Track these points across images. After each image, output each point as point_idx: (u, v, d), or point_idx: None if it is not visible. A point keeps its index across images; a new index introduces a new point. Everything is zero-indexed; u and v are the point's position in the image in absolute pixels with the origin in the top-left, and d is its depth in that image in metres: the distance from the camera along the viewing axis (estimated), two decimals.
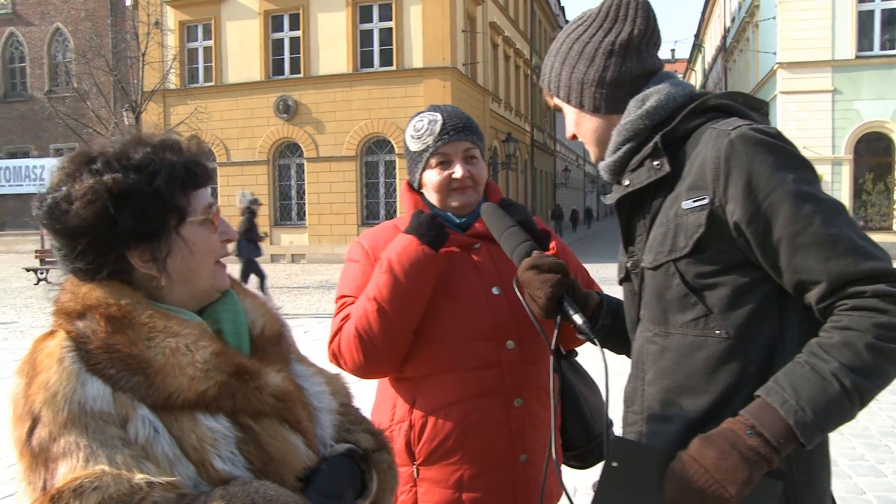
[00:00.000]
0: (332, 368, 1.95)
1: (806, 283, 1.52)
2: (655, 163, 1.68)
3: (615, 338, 1.99)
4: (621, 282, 1.91)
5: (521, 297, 1.94)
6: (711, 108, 1.71)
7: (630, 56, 1.79)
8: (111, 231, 1.42)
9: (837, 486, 5.32)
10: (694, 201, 1.61)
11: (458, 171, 2.34)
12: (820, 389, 1.44)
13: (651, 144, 1.69)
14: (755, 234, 1.54)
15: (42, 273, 21.22)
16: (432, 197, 2.42)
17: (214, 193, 27.31)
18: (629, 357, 1.94)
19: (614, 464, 1.59)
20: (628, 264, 1.83)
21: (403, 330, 2.24)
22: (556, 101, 1.92)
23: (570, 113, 1.89)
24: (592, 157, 1.94)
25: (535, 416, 2.31)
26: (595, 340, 1.80)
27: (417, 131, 2.40)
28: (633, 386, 1.83)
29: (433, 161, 2.37)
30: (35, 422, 1.31)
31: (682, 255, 1.63)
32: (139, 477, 1.25)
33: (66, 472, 1.26)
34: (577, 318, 1.83)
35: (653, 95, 1.75)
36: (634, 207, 1.79)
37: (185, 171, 1.50)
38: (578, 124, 1.88)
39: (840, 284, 1.49)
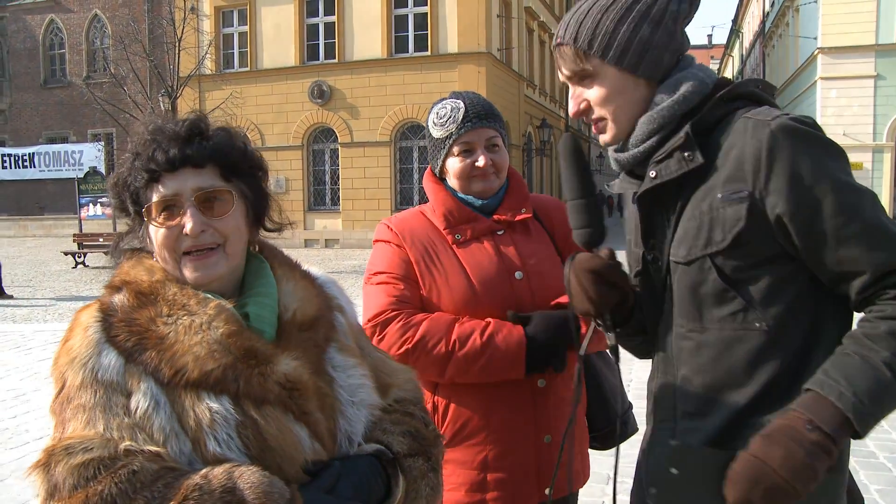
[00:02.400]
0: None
1: (848, 274, 1.52)
2: (687, 154, 1.61)
3: (639, 334, 1.91)
4: (636, 275, 1.82)
5: (567, 278, 1.80)
6: (739, 95, 1.67)
7: (681, 27, 1.71)
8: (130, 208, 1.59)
9: (877, 479, 5.22)
10: (732, 194, 1.56)
11: (480, 160, 2.39)
12: (874, 380, 1.44)
13: (682, 135, 1.61)
14: (798, 227, 1.51)
15: (80, 257, 21.50)
16: (454, 183, 2.45)
17: None
18: (635, 351, 1.95)
19: (673, 471, 1.67)
20: (649, 257, 1.76)
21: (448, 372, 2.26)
22: (592, 63, 1.70)
23: (612, 78, 1.69)
24: (612, 137, 1.75)
25: (558, 398, 2.35)
26: (618, 363, 1.87)
27: (440, 118, 2.43)
28: (662, 382, 1.78)
29: (456, 149, 2.41)
30: (63, 385, 1.42)
31: (720, 248, 1.58)
32: (126, 444, 1.32)
33: (71, 431, 1.35)
34: (610, 338, 1.81)
35: (686, 81, 1.67)
36: (655, 199, 1.71)
37: (146, 164, 1.54)
38: (620, 92, 1.70)
39: (882, 274, 1.49)
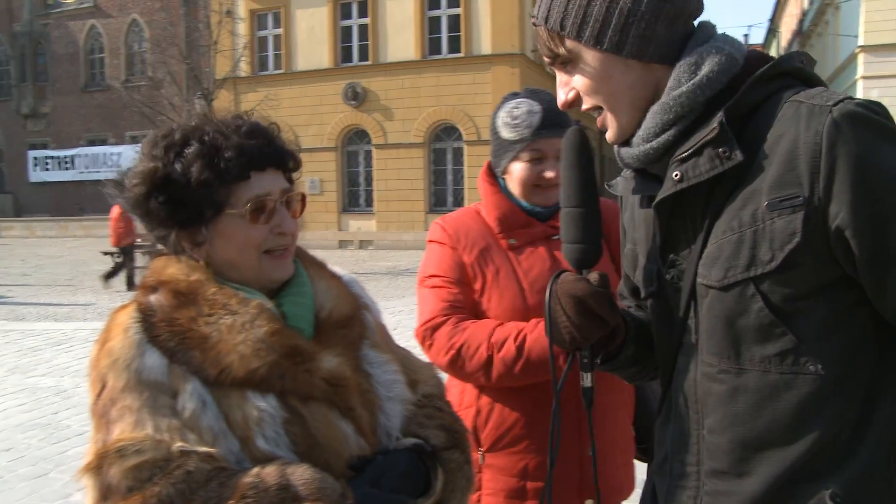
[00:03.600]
0: (425, 356, 1.91)
1: None
2: (722, 150, 1.28)
3: (633, 366, 1.66)
4: (648, 297, 1.53)
5: (547, 302, 1.52)
6: (782, 73, 1.34)
7: None
8: (154, 214, 1.52)
9: None
10: (782, 200, 1.23)
11: (550, 172, 2.27)
12: None
13: (715, 125, 1.28)
14: (862, 243, 1.20)
15: (119, 257, 21.76)
16: (514, 187, 2.37)
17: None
18: (628, 379, 1.72)
19: None
20: (668, 276, 1.44)
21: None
22: (567, 45, 1.41)
23: (594, 62, 1.39)
24: (614, 133, 1.46)
25: (603, 410, 2.25)
26: (590, 409, 1.57)
27: (514, 119, 2.31)
28: (679, 428, 1.45)
29: (525, 154, 2.31)
30: (103, 386, 1.40)
31: (767, 270, 1.26)
32: (178, 445, 1.32)
33: (118, 433, 1.34)
34: (587, 380, 1.55)
35: (710, 57, 1.34)
36: (677, 205, 1.39)
37: (227, 164, 1.49)
38: (606, 77, 1.39)
39: None
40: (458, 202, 26.86)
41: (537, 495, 2.24)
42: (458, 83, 26.51)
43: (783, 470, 1.30)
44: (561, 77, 1.48)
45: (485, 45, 26.46)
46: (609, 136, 1.47)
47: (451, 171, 27.48)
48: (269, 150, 1.55)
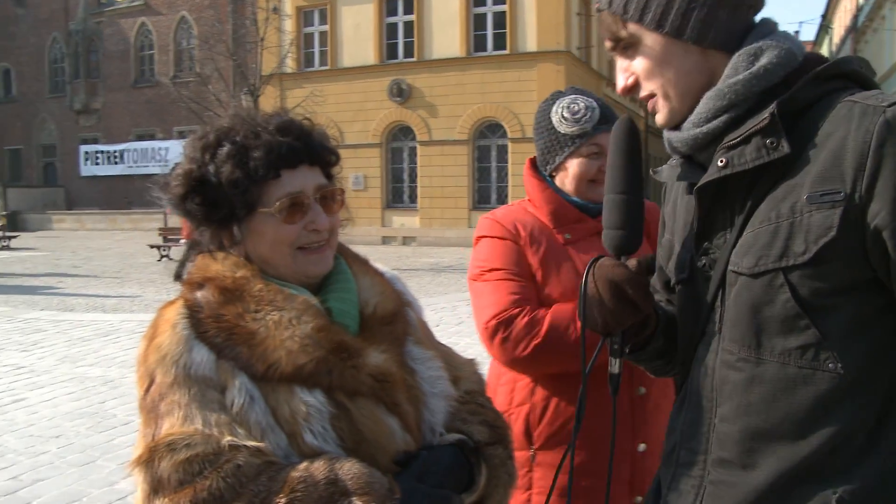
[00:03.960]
0: (467, 352, 1.88)
1: None
2: (770, 140, 1.27)
3: (659, 358, 1.66)
4: (679, 283, 1.51)
5: (583, 285, 1.53)
6: (840, 74, 1.33)
7: None
8: (192, 214, 1.55)
9: None
10: (823, 195, 1.22)
11: None
12: None
13: (766, 115, 1.27)
14: None
15: (165, 250, 22.13)
16: (570, 183, 2.38)
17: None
18: (652, 371, 1.71)
19: None
20: (701, 263, 1.43)
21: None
22: (629, 29, 1.42)
23: (654, 45, 1.40)
24: (665, 117, 1.45)
25: (656, 406, 2.28)
26: (615, 396, 1.58)
27: (574, 114, 2.33)
28: (692, 417, 1.44)
29: (585, 149, 2.34)
30: (151, 382, 1.42)
31: (799, 262, 1.24)
32: (227, 439, 1.33)
33: (167, 428, 1.35)
34: (615, 367, 1.55)
35: (769, 50, 1.33)
36: (719, 193, 1.38)
37: (256, 163, 1.49)
38: (666, 61, 1.39)
39: None
40: (502, 199, 26.82)
41: (589, 492, 2.22)
42: (503, 80, 26.46)
43: (790, 466, 1.28)
44: (621, 63, 1.48)
45: (530, 42, 26.37)
46: (659, 119, 1.47)
47: (495, 168, 27.46)
48: (300, 147, 1.54)
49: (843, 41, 48.31)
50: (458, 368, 1.75)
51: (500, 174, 27.27)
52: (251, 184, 1.49)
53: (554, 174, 2.43)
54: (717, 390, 1.38)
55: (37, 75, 45.78)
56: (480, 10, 27.33)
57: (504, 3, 26.85)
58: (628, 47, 1.44)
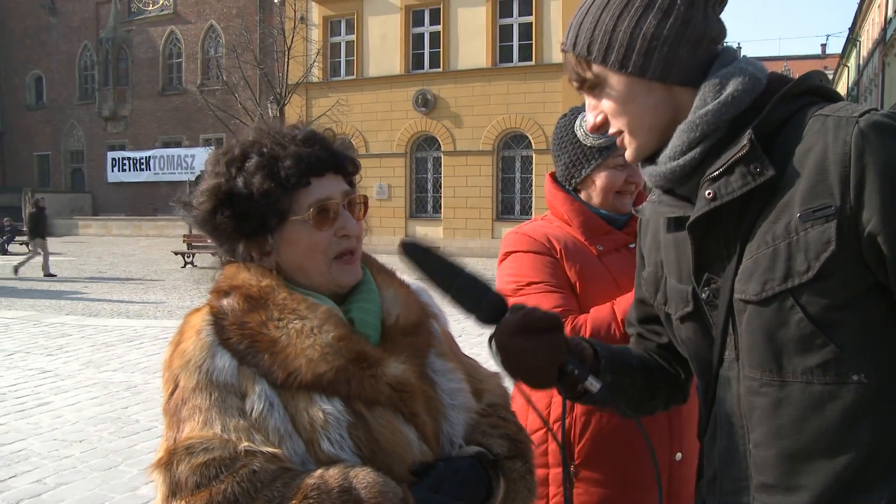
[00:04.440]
0: (489, 364, 1.86)
1: None
2: (753, 166, 1.29)
3: (621, 394, 1.62)
4: (684, 318, 1.51)
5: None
6: (805, 91, 1.37)
7: (709, 11, 1.42)
8: (221, 228, 1.56)
9: None
10: (814, 211, 1.24)
11: (637, 176, 2.34)
12: None
13: (745, 143, 1.30)
14: (893, 246, 1.21)
15: (189, 257, 22.27)
16: (597, 195, 2.40)
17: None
18: (630, 415, 1.61)
19: None
20: (704, 295, 1.43)
21: None
22: (594, 70, 1.44)
23: (619, 85, 1.42)
24: (632, 153, 1.48)
25: (689, 414, 2.25)
26: (630, 412, 1.56)
27: None
28: (727, 445, 1.44)
29: (612, 160, 2.35)
30: (175, 386, 1.45)
31: (804, 281, 1.26)
32: (244, 445, 1.36)
33: (188, 432, 1.38)
34: (594, 384, 1.49)
35: (733, 78, 1.36)
36: (710, 224, 1.39)
37: (287, 172, 1.52)
38: (631, 100, 1.42)
39: None
40: (526, 210, 26.80)
41: None
42: (529, 91, 26.49)
43: (833, 481, 1.28)
44: (590, 101, 1.51)
45: (556, 54, 26.31)
46: (628, 155, 1.50)
47: (519, 179, 27.45)
48: (325, 156, 1.57)
49: (870, 54, 47.89)
50: (482, 381, 1.75)
51: (524, 185, 27.25)
52: (283, 193, 1.52)
53: (580, 188, 2.44)
54: (746, 417, 1.39)
55: (67, 82, 46.38)
56: (506, 21, 27.39)
57: (530, 15, 26.91)
58: (594, 87, 1.47)
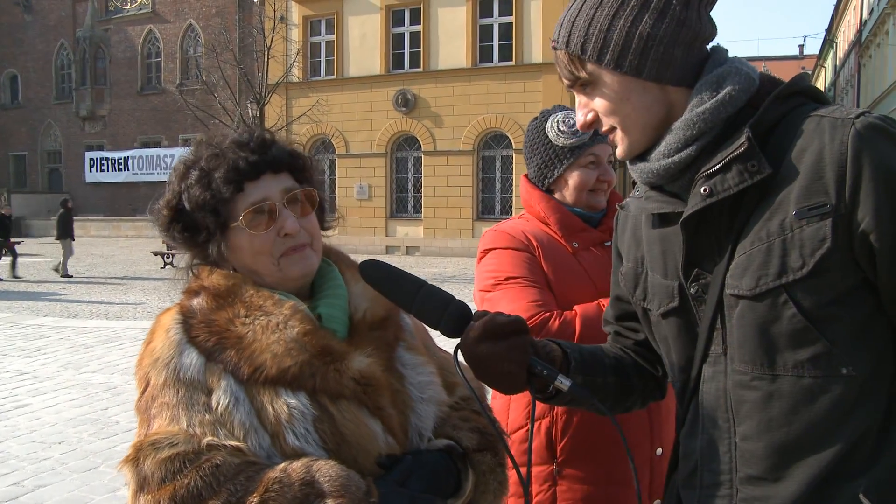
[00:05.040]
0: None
1: None
2: (750, 164, 1.32)
3: (596, 393, 1.61)
4: (667, 314, 1.51)
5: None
6: (798, 92, 1.41)
7: (702, 11, 1.44)
8: (178, 239, 1.64)
9: None
10: (810, 209, 1.27)
11: (609, 174, 2.44)
12: None
13: (743, 140, 1.32)
14: (884, 245, 1.25)
15: (168, 258, 22.10)
16: (570, 194, 2.45)
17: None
18: (603, 414, 1.58)
19: None
20: (692, 290, 1.45)
21: None
22: (588, 69, 1.45)
23: (613, 84, 1.43)
24: (624, 150, 1.49)
25: (669, 411, 2.30)
26: (604, 409, 1.52)
27: (570, 127, 2.43)
28: (709, 438, 1.45)
29: (584, 160, 2.42)
30: (147, 385, 1.49)
31: (799, 277, 1.28)
32: (208, 439, 1.39)
33: (156, 428, 1.42)
34: (564, 382, 1.47)
35: (730, 77, 1.39)
36: (702, 220, 1.41)
37: (218, 182, 1.56)
38: (625, 99, 1.43)
39: None
40: (506, 210, 26.85)
41: (613, 500, 2.28)
42: (509, 91, 26.53)
43: (819, 471, 1.32)
44: (580, 99, 1.52)
45: (536, 54, 26.42)
46: (619, 152, 1.51)
47: (499, 178, 27.49)
48: (258, 159, 1.59)
49: (846, 56, 48.40)
50: (455, 375, 1.74)
51: (505, 185, 27.29)
52: (218, 203, 1.56)
53: (553, 188, 2.50)
54: (733, 411, 1.40)
55: (43, 81, 45.90)
56: (487, 21, 27.41)
57: (510, 15, 26.94)
58: (586, 85, 1.48)
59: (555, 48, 1.50)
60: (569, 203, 2.46)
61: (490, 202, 27.72)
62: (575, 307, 2.28)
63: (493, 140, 27.48)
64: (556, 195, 2.48)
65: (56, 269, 20.12)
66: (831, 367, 1.30)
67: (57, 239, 20.60)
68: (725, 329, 1.40)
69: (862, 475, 1.30)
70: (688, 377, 1.50)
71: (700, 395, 1.47)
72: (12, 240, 20.24)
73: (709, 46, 1.48)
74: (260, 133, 1.66)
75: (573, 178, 2.44)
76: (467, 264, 22.79)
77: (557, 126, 2.44)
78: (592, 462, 2.27)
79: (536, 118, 2.55)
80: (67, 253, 20.15)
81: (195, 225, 1.60)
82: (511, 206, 26.64)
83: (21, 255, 20.86)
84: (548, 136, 2.46)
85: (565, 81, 1.52)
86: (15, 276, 19.54)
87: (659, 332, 1.57)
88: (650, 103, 1.43)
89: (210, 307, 1.53)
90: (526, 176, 2.58)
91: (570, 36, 1.45)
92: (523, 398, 2.35)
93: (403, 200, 29.28)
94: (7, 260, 20.00)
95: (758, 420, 1.37)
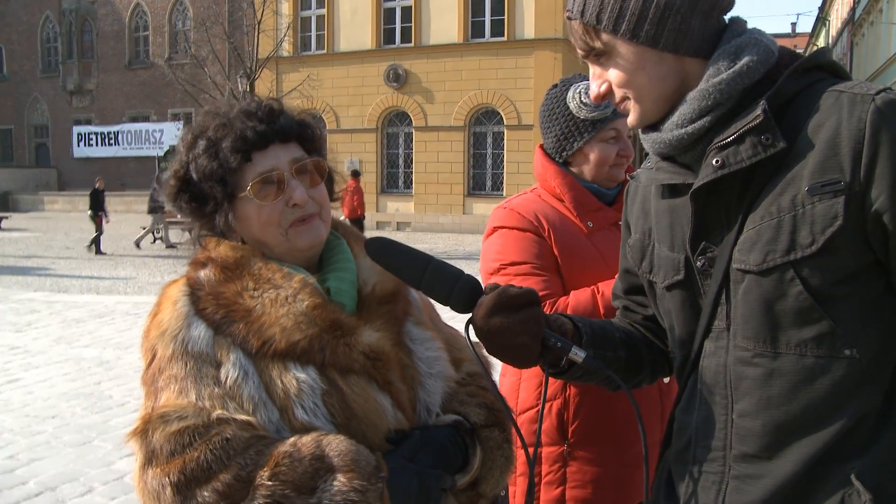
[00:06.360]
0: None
1: None
2: (764, 137, 1.29)
3: (607, 367, 1.57)
4: (671, 286, 1.50)
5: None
6: (817, 66, 1.37)
7: None
8: (185, 210, 1.62)
9: None
10: (824, 185, 1.24)
11: (629, 149, 2.36)
12: None
13: (759, 112, 1.29)
14: None
15: (158, 232, 22.02)
16: (589, 169, 2.38)
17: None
18: (618, 388, 1.61)
19: None
20: (699, 263, 1.42)
21: None
22: (603, 39, 1.42)
23: (629, 55, 1.41)
24: (635, 118, 1.47)
25: (673, 393, 2.25)
26: (621, 382, 1.50)
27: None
28: (706, 414, 1.44)
29: (605, 134, 2.34)
30: (153, 357, 1.47)
31: (808, 254, 1.26)
32: (218, 412, 1.38)
33: (164, 401, 1.41)
34: (579, 353, 1.45)
35: (748, 48, 1.36)
36: (712, 192, 1.38)
37: (226, 152, 1.54)
38: (639, 69, 1.41)
39: None
40: (497, 186, 26.82)
41: (625, 483, 2.25)
42: (501, 67, 26.40)
43: (814, 451, 1.31)
44: (594, 70, 1.49)
45: (528, 30, 26.28)
46: (631, 120, 1.49)
47: (490, 154, 27.41)
48: (266, 129, 1.57)
49: (839, 34, 48.34)
50: (461, 350, 1.75)
51: (496, 161, 27.23)
52: (226, 173, 1.54)
53: (570, 160, 2.41)
54: (732, 387, 1.39)
55: (29, 54, 45.42)
56: None
57: None
58: (601, 55, 1.45)
59: (569, 18, 1.47)
60: (587, 178, 2.39)
61: (481, 178, 27.66)
62: (572, 292, 2.22)
63: (485, 116, 27.37)
64: (574, 168, 2.40)
65: (137, 244, 20.81)
66: (834, 347, 1.28)
67: (91, 216, 20.66)
68: (730, 304, 1.38)
69: (857, 458, 1.29)
70: (688, 352, 1.49)
71: (700, 370, 1.46)
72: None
73: (727, 17, 1.44)
74: (268, 103, 1.63)
75: (594, 153, 2.35)
76: (458, 240, 22.78)
77: (580, 97, 2.33)
78: (604, 444, 2.25)
79: (556, 86, 2.45)
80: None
81: (202, 195, 1.58)
82: (502, 183, 26.61)
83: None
84: (568, 108, 2.36)
85: (579, 52, 1.49)
86: (99, 252, 19.43)
87: (663, 306, 1.56)
88: (665, 74, 1.40)
89: (218, 279, 1.52)
90: (542, 147, 2.48)
91: (584, 5, 1.42)
92: (534, 378, 2.32)
93: (394, 176, 29.19)
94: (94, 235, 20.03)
95: (757, 397, 1.35)
